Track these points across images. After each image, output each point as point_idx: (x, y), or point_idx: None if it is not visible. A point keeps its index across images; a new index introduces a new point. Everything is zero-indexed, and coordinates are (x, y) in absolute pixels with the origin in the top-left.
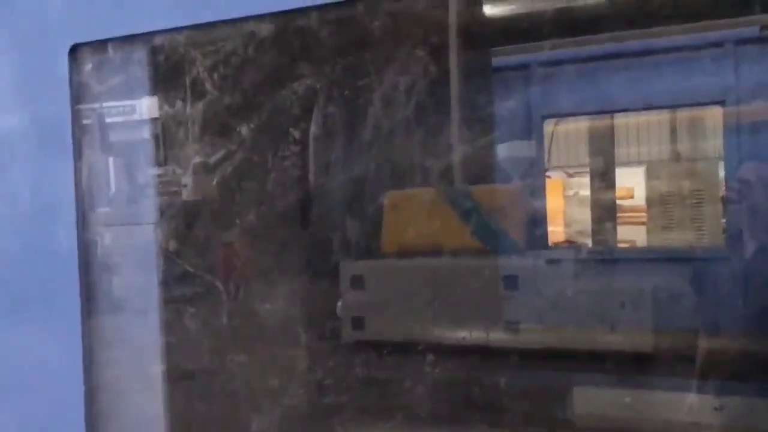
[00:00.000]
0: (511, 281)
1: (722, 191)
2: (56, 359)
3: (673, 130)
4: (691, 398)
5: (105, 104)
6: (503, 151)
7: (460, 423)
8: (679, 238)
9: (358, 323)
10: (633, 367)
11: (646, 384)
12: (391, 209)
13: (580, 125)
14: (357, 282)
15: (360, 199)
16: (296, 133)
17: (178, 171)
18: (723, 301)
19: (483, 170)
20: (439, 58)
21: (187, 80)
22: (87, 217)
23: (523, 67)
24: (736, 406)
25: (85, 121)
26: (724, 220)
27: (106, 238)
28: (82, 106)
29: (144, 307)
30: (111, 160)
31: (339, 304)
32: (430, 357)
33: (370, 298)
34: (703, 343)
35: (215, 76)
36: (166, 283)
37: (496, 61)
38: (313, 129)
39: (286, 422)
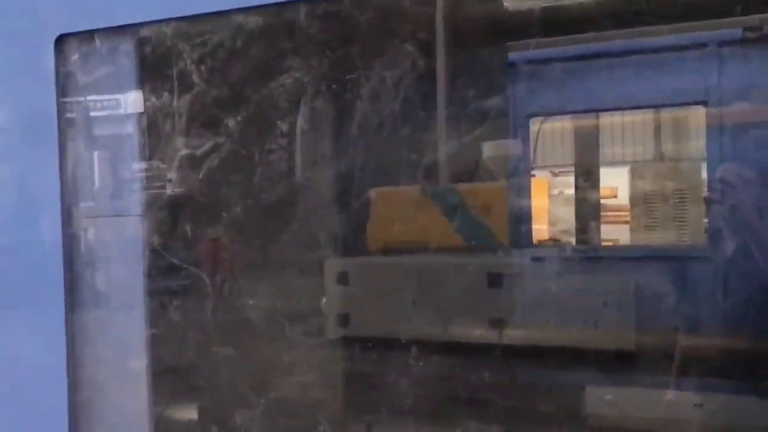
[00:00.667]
0: (496, 279)
1: (704, 191)
2: (40, 353)
3: (657, 131)
4: (672, 395)
5: (90, 97)
6: (488, 149)
7: (445, 418)
8: (661, 237)
9: (342, 320)
10: (615, 364)
11: (628, 381)
12: (375, 206)
13: (565, 125)
14: (342, 279)
15: (345, 195)
16: (284, 126)
17: (163, 165)
18: (704, 299)
19: (468, 168)
20: (425, 53)
21: (174, 72)
22: (72, 211)
23: (509, 65)
24: (716, 403)
25: (70, 114)
26: (706, 220)
27: (90, 232)
28: (67, 98)
29: (129, 301)
30: (96, 153)
31: (323, 300)
32: (414, 353)
33: (354, 294)
34: (684, 341)
35: (202, 68)
36: (151, 277)
37: (484, 58)
38: (300, 122)
39: (270, 417)
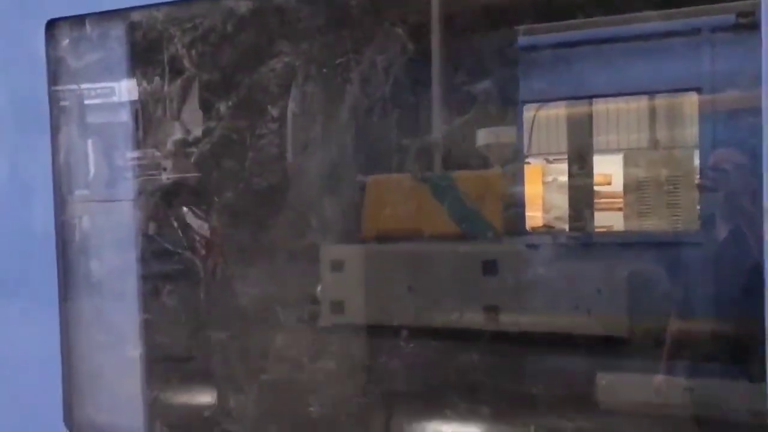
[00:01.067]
0: (490, 265)
1: (697, 178)
2: (34, 341)
3: (652, 118)
4: (663, 379)
5: (84, 85)
6: (483, 137)
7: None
8: (655, 224)
9: (337, 306)
10: (607, 349)
11: (617, 366)
12: (371, 194)
13: (559, 112)
14: (336, 266)
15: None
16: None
17: (157, 154)
18: (696, 283)
19: (462, 155)
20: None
21: (165, 57)
22: (65, 198)
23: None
24: (706, 387)
25: (63, 103)
26: (699, 207)
27: (84, 219)
28: (58, 85)
29: (122, 287)
30: (90, 141)
31: (319, 287)
32: (406, 339)
33: (349, 281)
34: (675, 325)
35: (193, 52)
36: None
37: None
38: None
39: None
